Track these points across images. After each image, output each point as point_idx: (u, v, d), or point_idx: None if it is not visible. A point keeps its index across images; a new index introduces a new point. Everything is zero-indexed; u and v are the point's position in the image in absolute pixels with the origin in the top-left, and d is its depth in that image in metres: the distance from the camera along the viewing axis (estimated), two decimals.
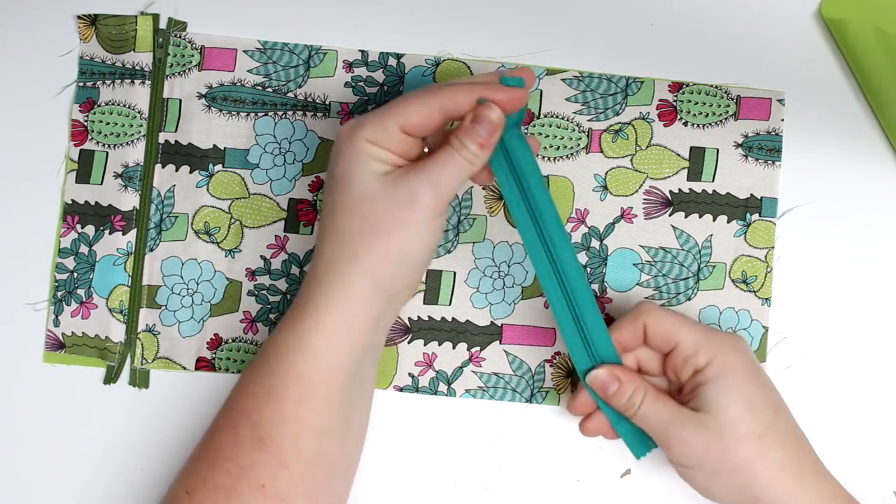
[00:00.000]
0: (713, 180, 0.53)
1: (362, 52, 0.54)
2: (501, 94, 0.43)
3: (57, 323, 0.53)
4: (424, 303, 0.53)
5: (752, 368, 0.46)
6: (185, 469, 0.45)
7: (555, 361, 0.53)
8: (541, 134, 0.53)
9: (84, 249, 0.53)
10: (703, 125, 0.53)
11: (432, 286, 0.53)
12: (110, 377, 0.52)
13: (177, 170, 0.53)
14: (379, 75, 0.54)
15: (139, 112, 0.53)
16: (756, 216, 0.53)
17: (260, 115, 0.53)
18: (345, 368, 0.44)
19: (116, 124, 0.53)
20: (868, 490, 0.51)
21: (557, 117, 0.54)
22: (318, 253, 0.45)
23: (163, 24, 0.54)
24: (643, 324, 0.47)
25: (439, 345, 0.53)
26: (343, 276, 0.43)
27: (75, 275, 0.53)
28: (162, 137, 0.53)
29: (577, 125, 0.54)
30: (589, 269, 0.53)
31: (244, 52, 0.54)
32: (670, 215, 0.53)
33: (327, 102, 0.54)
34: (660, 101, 0.53)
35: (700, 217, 0.53)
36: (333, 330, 0.44)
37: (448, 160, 0.43)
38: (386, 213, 0.43)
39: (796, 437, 0.46)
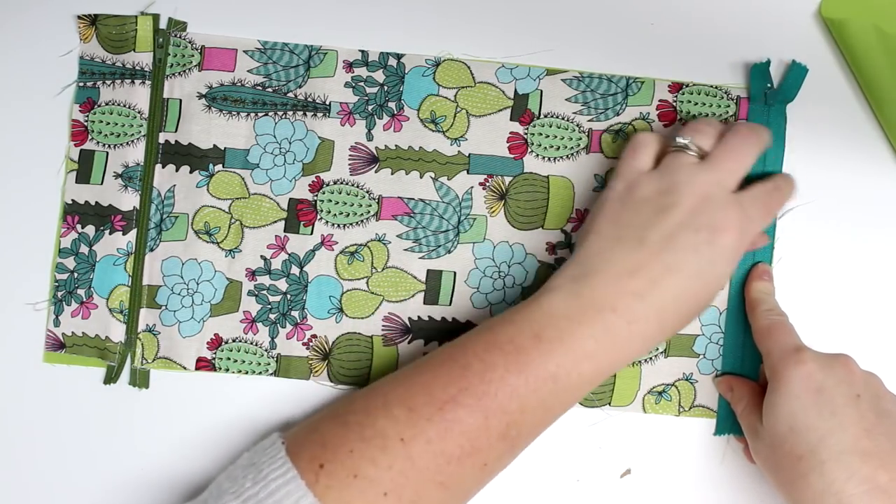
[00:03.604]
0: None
1: (362, 52, 0.54)
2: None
3: (57, 323, 0.53)
4: (424, 303, 0.53)
5: (807, 386, 0.45)
6: (402, 418, 0.44)
7: None
8: (541, 134, 0.54)
9: (84, 249, 0.53)
10: None
11: (432, 286, 0.53)
12: (110, 377, 0.53)
13: (177, 170, 0.53)
14: (379, 75, 0.54)
15: (139, 112, 0.53)
16: None
17: (260, 115, 0.53)
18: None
19: (116, 124, 0.53)
20: None
21: (557, 117, 0.54)
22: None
23: (163, 24, 0.54)
24: (751, 323, 0.51)
25: (439, 345, 0.53)
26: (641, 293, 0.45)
27: (75, 275, 0.53)
28: (162, 137, 0.53)
29: (578, 125, 0.54)
30: None
31: (244, 52, 0.54)
32: None
33: (327, 102, 0.54)
34: (660, 101, 0.53)
35: None
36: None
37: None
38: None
39: (847, 468, 0.44)
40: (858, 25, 0.51)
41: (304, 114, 0.54)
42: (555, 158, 0.54)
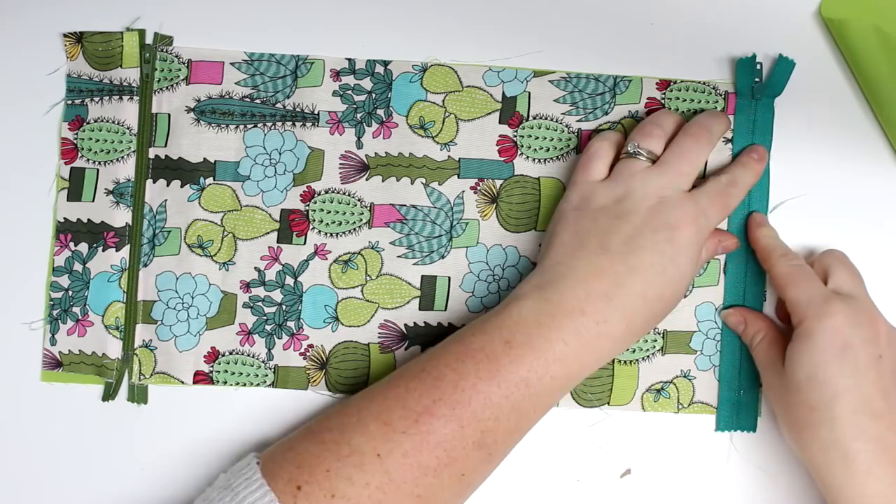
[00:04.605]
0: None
1: (349, 60, 0.54)
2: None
3: (54, 341, 0.53)
4: (420, 309, 0.53)
5: (834, 339, 0.46)
6: (377, 433, 0.44)
7: None
8: (530, 136, 0.53)
9: (78, 267, 0.53)
10: None
11: (427, 292, 0.53)
12: (109, 394, 0.53)
13: (168, 184, 0.53)
14: (367, 83, 0.54)
15: (128, 128, 0.53)
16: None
17: (249, 126, 0.53)
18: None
19: (106, 141, 0.53)
20: None
21: (546, 119, 0.53)
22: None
23: (149, 40, 0.54)
24: (770, 272, 0.51)
25: None
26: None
27: (70, 293, 0.53)
28: (152, 152, 0.53)
29: (567, 126, 0.54)
30: None
31: (231, 64, 0.54)
32: None
33: (316, 112, 0.54)
34: (648, 98, 0.53)
35: None
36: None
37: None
38: None
39: (857, 427, 0.44)
40: (858, 25, 0.51)
41: (294, 124, 0.54)
42: (545, 160, 0.54)
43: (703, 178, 0.51)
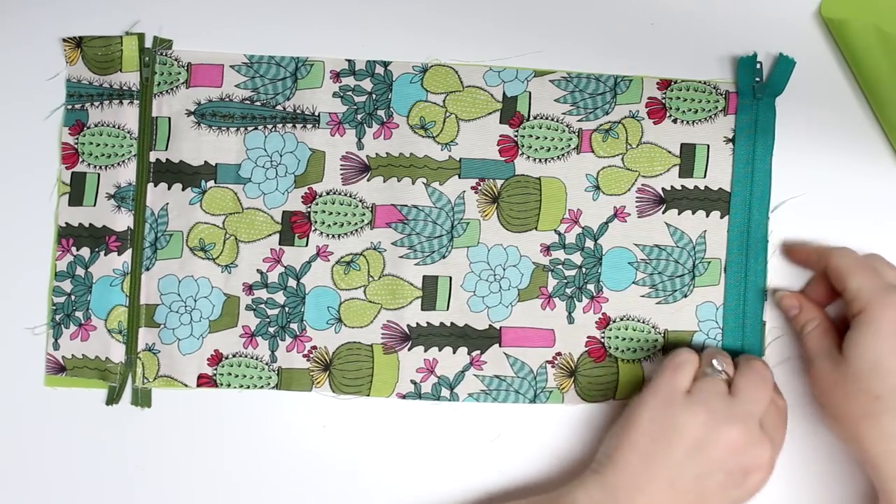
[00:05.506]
0: (705, 176, 0.53)
1: (349, 61, 0.54)
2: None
3: (57, 346, 0.53)
4: (422, 309, 0.53)
5: None
6: None
7: (556, 362, 0.53)
8: (531, 136, 0.54)
9: (80, 272, 0.53)
10: (693, 121, 0.53)
11: (429, 292, 0.53)
12: (112, 398, 0.53)
13: (169, 188, 0.53)
14: (367, 84, 0.54)
15: (129, 132, 0.53)
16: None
17: (250, 129, 0.53)
18: None
19: (107, 145, 0.53)
20: (861, 483, 0.51)
21: (547, 118, 0.54)
22: None
23: (148, 43, 0.54)
24: (829, 264, 0.49)
25: (439, 350, 0.53)
26: None
27: (73, 297, 0.53)
28: (153, 156, 0.53)
29: (567, 126, 0.54)
30: (584, 270, 0.53)
31: (231, 66, 0.54)
32: (664, 213, 0.53)
33: (316, 113, 0.54)
34: (649, 98, 0.53)
35: (693, 213, 0.53)
36: None
37: None
38: None
39: None
40: (858, 25, 0.51)
41: (294, 126, 0.54)
42: (546, 160, 0.54)
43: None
